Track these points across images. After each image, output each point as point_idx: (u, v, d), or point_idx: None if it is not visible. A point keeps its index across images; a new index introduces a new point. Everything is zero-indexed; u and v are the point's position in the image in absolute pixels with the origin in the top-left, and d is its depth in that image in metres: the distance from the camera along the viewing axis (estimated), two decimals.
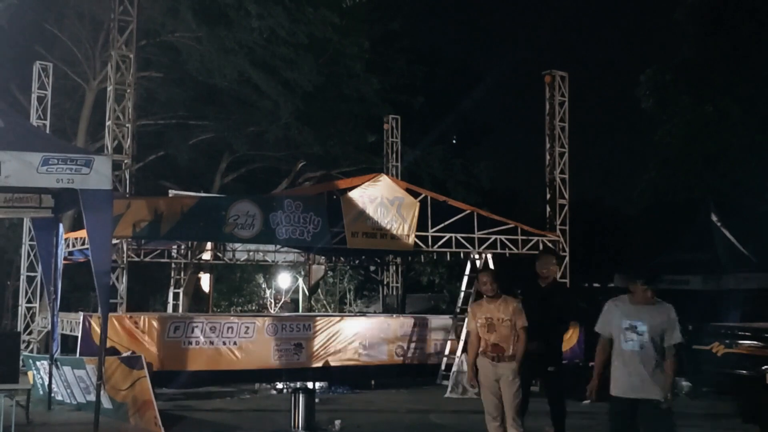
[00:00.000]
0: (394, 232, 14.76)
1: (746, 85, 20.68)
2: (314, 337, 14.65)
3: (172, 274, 19.27)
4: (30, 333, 15.99)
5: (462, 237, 15.68)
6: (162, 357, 13.06)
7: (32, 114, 16.18)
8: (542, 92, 17.64)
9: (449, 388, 13.80)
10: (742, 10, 20.91)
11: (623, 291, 6.85)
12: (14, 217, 15.57)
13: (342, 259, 21.18)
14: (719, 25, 21.21)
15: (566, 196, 17.32)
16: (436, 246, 15.56)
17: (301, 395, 9.78)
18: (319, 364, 14.63)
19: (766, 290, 14.82)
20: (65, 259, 12.24)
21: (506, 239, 15.97)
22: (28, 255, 16.12)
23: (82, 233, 12.76)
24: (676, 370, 6.45)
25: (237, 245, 18.00)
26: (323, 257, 20.37)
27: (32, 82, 16.39)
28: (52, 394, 10.99)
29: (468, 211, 15.92)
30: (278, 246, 17.88)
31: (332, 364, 14.70)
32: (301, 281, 24.80)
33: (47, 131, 14.95)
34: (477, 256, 15.84)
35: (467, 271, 16.02)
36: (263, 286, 26.32)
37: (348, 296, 28.54)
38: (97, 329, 11.96)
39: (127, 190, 13.93)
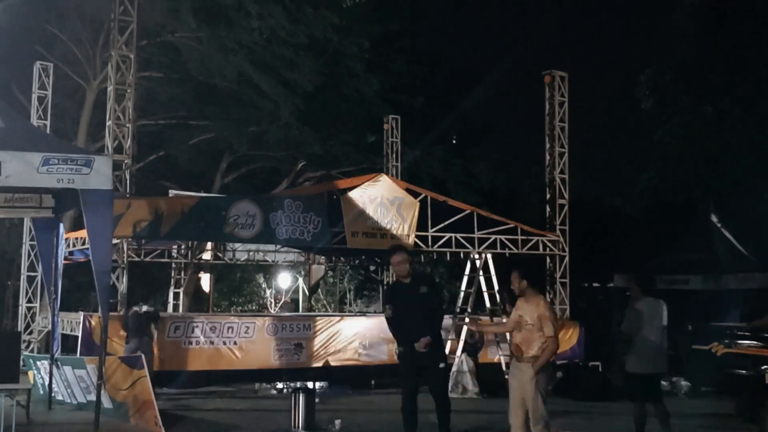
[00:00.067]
0: (394, 232, 14.77)
1: (746, 85, 20.68)
2: (314, 337, 14.66)
3: (173, 274, 19.29)
4: (30, 333, 16.01)
5: (462, 237, 15.70)
6: (162, 357, 13.07)
7: (33, 114, 16.21)
8: (542, 92, 17.67)
9: (449, 388, 13.79)
10: (742, 10, 20.91)
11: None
12: (15, 217, 15.57)
13: (342, 259, 21.19)
14: (719, 25, 21.20)
15: (566, 196, 17.34)
16: (436, 246, 15.58)
17: (301, 395, 9.78)
18: (319, 364, 14.63)
19: (766, 290, 14.84)
20: (65, 258, 12.25)
21: (506, 239, 15.99)
22: (29, 255, 16.15)
23: (83, 233, 12.77)
24: None
25: (237, 245, 18.03)
26: (323, 257, 20.39)
27: (33, 82, 16.42)
28: (53, 394, 10.99)
29: (468, 211, 15.94)
30: (278, 246, 17.90)
31: (332, 364, 14.71)
32: (301, 281, 24.79)
33: (48, 131, 14.97)
34: (477, 256, 15.85)
35: (467, 271, 16.03)
36: (263, 286, 26.31)
37: (348, 296, 28.53)
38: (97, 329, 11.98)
39: (128, 190, 13.94)
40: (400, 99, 23.40)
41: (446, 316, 16.77)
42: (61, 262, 11.02)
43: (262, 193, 19.54)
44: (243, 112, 20.98)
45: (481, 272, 15.69)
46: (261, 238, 14.19)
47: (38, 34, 18.39)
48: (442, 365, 8.30)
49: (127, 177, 14.06)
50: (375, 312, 22.15)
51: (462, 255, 16.21)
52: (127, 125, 14.00)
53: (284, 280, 25.05)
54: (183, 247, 17.96)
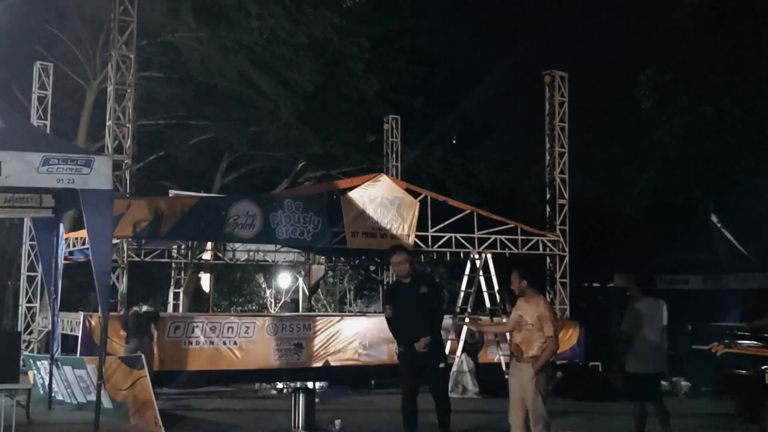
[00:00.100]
0: (394, 232, 14.77)
1: (746, 85, 20.67)
2: (314, 337, 14.66)
3: (173, 274, 19.29)
4: (30, 333, 16.01)
5: (462, 237, 15.70)
6: (162, 357, 13.07)
7: (33, 114, 16.21)
8: (542, 92, 17.67)
9: (449, 388, 13.79)
10: (742, 10, 20.90)
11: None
12: (15, 217, 15.58)
13: (342, 259, 21.19)
14: (719, 25, 21.19)
15: (566, 196, 17.34)
16: (436, 246, 15.58)
17: (301, 395, 9.78)
18: (319, 364, 14.63)
19: (766, 290, 14.84)
20: (65, 258, 12.25)
21: (506, 239, 15.99)
22: (29, 255, 16.15)
23: (83, 233, 12.77)
24: None
25: (237, 245, 18.03)
26: (323, 257, 20.39)
27: (33, 82, 16.43)
28: (53, 394, 10.99)
29: (468, 211, 15.94)
30: (278, 246, 17.90)
31: (332, 364, 14.71)
32: (301, 281, 24.80)
33: (48, 131, 14.97)
34: (477, 256, 15.85)
35: (467, 271, 16.03)
36: (263, 286, 26.31)
37: (348, 296, 28.53)
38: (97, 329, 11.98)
39: (128, 190, 13.95)
40: (400, 99, 23.40)
41: (446, 316, 16.78)
42: (61, 262, 11.02)
43: (262, 193, 19.52)
44: (243, 112, 20.99)
45: (481, 272, 15.70)
46: (261, 238, 14.19)
47: (38, 34, 18.40)
48: (442, 365, 8.31)
49: (127, 177, 14.06)
50: (375, 312, 22.15)
51: (462, 255, 16.21)
52: (127, 125, 14.00)
53: (284, 280, 25.06)
54: (183, 247, 17.96)
